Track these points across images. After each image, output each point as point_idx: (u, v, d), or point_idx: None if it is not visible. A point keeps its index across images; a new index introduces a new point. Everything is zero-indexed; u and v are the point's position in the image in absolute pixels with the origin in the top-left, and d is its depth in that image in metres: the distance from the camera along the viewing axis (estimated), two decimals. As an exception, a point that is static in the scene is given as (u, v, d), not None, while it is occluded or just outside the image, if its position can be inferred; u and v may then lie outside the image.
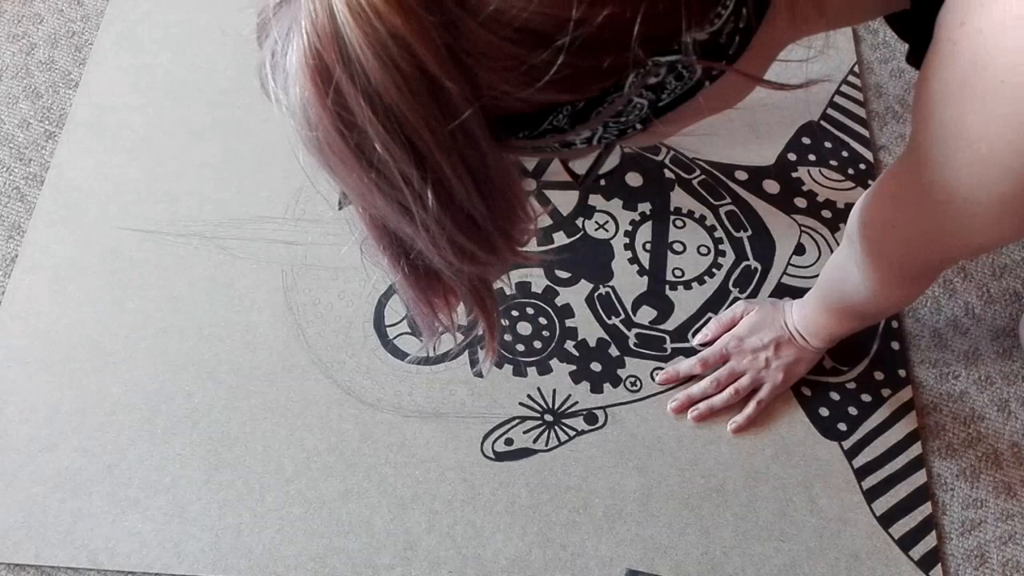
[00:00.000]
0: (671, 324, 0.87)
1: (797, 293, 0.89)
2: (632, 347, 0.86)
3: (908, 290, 0.64)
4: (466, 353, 0.85)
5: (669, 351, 0.86)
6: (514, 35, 0.34)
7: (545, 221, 0.90)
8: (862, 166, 0.96)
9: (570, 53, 0.34)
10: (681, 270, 0.90)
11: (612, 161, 0.48)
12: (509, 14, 0.33)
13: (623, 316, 0.87)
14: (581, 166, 0.51)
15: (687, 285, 0.89)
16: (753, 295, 0.88)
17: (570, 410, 0.83)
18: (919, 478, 0.81)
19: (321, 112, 0.36)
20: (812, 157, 0.96)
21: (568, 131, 0.40)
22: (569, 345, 0.86)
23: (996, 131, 0.38)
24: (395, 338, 0.85)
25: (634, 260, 0.90)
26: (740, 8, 0.38)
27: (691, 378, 0.84)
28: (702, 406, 0.82)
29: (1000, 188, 0.41)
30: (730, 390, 0.82)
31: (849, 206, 0.94)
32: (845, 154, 0.96)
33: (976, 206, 0.43)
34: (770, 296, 0.88)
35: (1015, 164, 0.39)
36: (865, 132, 0.98)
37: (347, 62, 0.34)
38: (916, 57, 0.46)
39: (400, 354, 0.85)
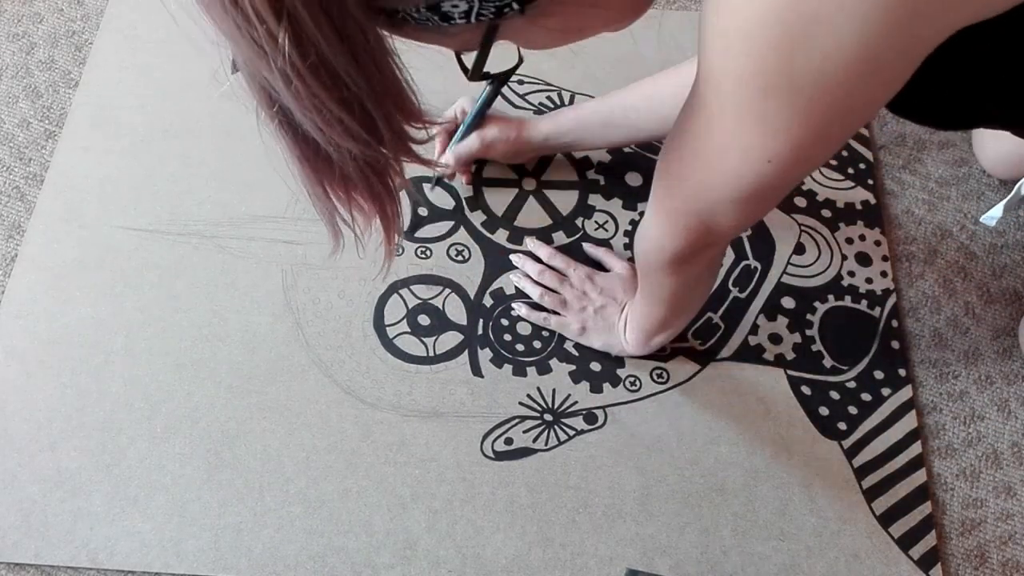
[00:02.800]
0: (671, 324, 0.87)
1: (797, 292, 0.89)
2: (632, 347, 0.86)
3: (684, 241, 0.59)
4: (465, 352, 0.85)
5: (668, 351, 0.86)
6: None
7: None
8: (862, 165, 0.96)
9: None
10: (681, 270, 0.90)
11: (507, 60, 0.46)
12: None
13: (623, 316, 0.87)
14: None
15: (687, 285, 0.89)
16: (753, 294, 0.88)
17: (570, 410, 0.83)
18: (919, 477, 0.81)
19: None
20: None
21: (443, 3, 0.38)
22: (569, 345, 0.86)
23: (731, 23, 0.39)
24: (395, 338, 0.86)
25: (634, 260, 0.90)
26: None
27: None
28: (512, 275, 0.88)
29: (734, 75, 0.41)
30: (539, 291, 0.86)
31: (849, 206, 0.94)
32: (845, 153, 0.96)
33: (723, 98, 0.43)
34: (769, 295, 0.88)
35: (740, 47, 0.39)
36: (865, 131, 0.98)
37: None
38: None
39: (400, 353, 0.85)
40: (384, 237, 0.49)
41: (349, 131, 0.40)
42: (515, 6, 0.40)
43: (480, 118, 0.86)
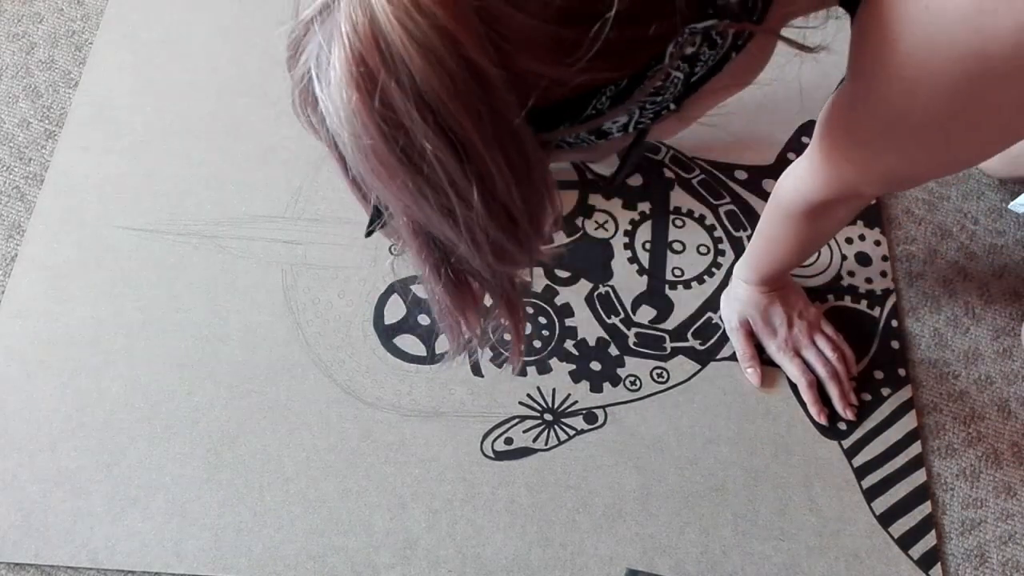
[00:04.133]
0: (671, 323, 0.87)
1: (797, 292, 0.89)
2: (632, 346, 0.86)
3: (837, 198, 0.64)
4: (465, 352, 0.85)
5: (669, 350, 0.86)
6: (555, 15, 0.34)
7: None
8: (862, 165, 0.96)
9: (615, 25, 0.34)
10: (681, 269, 0.90)
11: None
12: None
13: (623, 315, 0.87)
14: (598, 170, 0.53)
15: (687, 284, 0.89)
16: (753, 294, 0.89)
17: (570, 409, 0.83)
18: (919, 477, 0.81)
19: (367, 119, 0.35)
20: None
21: (607, 114, 0.39)
22: (569, 344, 0.86)
23: (920, 54, 0.41)
24: (395, 338, 0.86)
25: (634, 259, 0.90)
26: None
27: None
28: (834, 394, 0.83)
29: (924, 106, 0.44)
30: (821, 367, 0.83)
31: (849, 205, 0.94)
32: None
33: (906, 127, 0.47)
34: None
35: (933, 83, 0.41)
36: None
37: (391, 62, 0.33)
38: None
39: (400, 353, 0.85)
40: (515, 338, 0.50)
41: (512, 257, 0.41)
42: (672, 107, 0.41)
43: None
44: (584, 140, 0.42)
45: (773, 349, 0.84)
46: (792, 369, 0.83)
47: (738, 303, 0.85)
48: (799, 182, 0.66)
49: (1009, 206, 0.89)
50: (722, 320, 0.87)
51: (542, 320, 0.87)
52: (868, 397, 0.84)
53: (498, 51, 0.34)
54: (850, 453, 0.82)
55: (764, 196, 0.93)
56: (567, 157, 0.44)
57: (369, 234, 0.46)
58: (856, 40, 0.47)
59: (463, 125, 0.34)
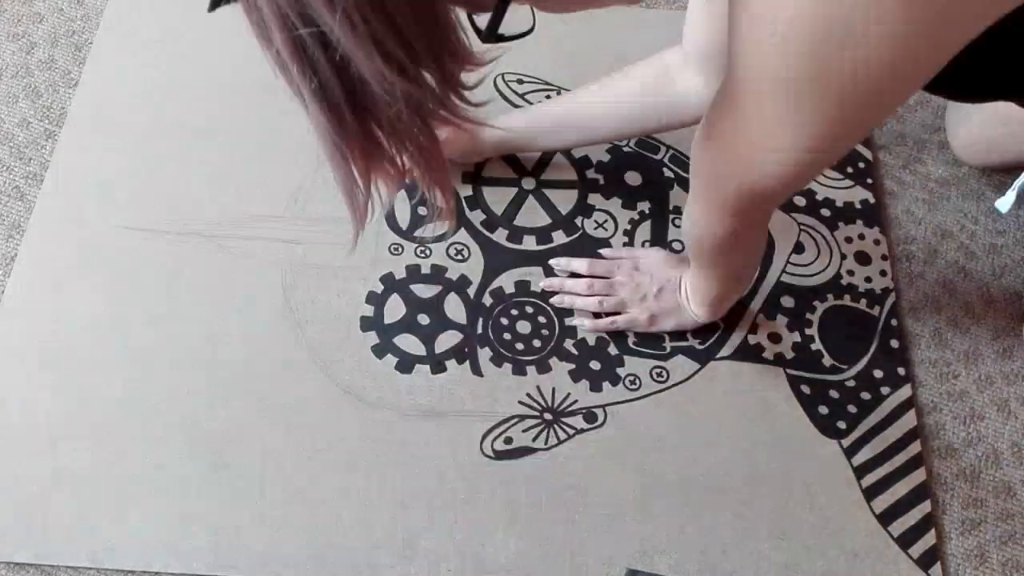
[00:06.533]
0: (670, 323, 0.87)
1: (796, 291, 0.89)
2: (631, 346, 0.86)
3: (734, 222, 0.62)
4: (465, 351, 0.85)
5: (668, 349, 0.86)
6: None
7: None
8: (861, 164, 0.96)
9: None
10: (680, 269, 0.90)
11: (523, 21, 0.45)
12: None
13: (622, 315, 0.87)
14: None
15: (686, 284, 0.89)
16: (752, 293, 0.88)
17: (569, 409, 0.83)
18: (918, 476, 0.81)
19: None
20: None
21: None
22: (568, 344, 0.86)
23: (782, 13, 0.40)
24: (395, 337, 0.86)
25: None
26: None
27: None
28: (566, 297, 0.87)
29: (779, 72, 0.43)
30: (595, 300, 0.85)
31: (848, 205, 0.94)
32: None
33: (760, 98, 0.46)
34: (769, 294, 0.88)
35: (792, 46, 0.41)
36: (865, 131, 0.98)
37: None
38: None
39: (400, 353, 0.85)
40: (440, 194, 0.48)
41: (404, 70, 0.39)
42: None
43: None
44: None
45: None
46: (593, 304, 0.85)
47: (664, 273, 0.85)
48: (697, 217, 0.65)
49: (995, 204, 0.89)
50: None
51: (541, 320, 0.87)
52: (867, 396, 0.84)
53: None
54: (849, 452, 0.82)
55: (764, 196, 0.93)
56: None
57: (214, 7, 0.43)
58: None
59: None
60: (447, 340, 0.85)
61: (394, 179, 0.46)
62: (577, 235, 0.91)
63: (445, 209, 0.50)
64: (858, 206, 0.94)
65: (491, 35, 0.44)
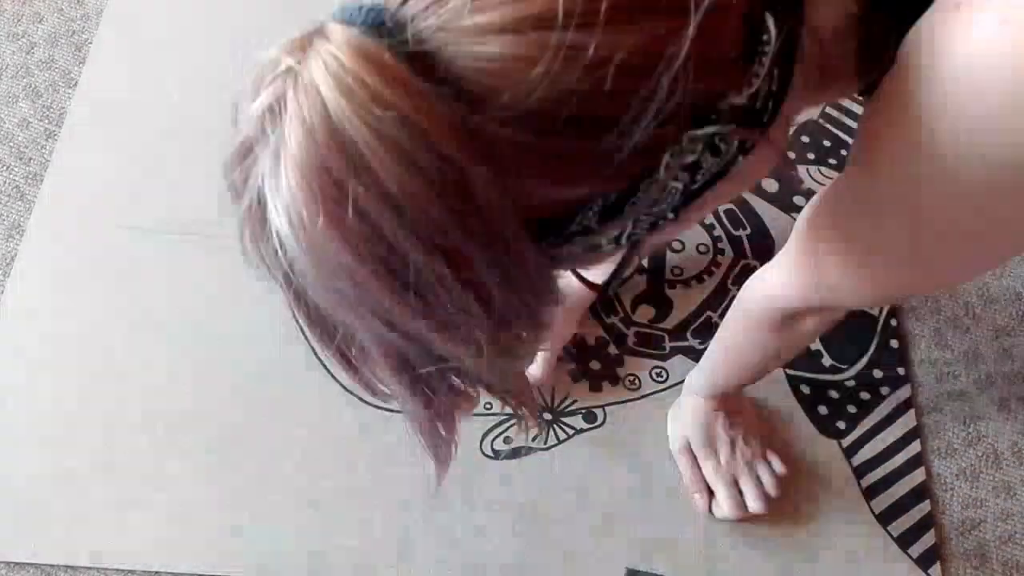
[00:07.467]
0: (670, 323, 0.87)
1: (796, 292, 0.89)
2: (631, 346, 0.86)
3: (798, 303, 0.58)
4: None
5: (668, 349, 0.86)
6: (527, 121, 0.29)
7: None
8: (862, 165, 0.96)
9: (594, 133, 0.30)
10: (680, 269, 0.90)
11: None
12: (526, 103, 0.29)
13: (622, 315, 0.87)
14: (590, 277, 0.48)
15: (686, 284, 0.89)
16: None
17: (569, 408, 0.83)
18: (918, 476, 0.81)
19: (341, 238, 0.30)
20: (811, 155, 0.96)
21: (597, 231, 0.35)
22: (568, 344, 0.86)
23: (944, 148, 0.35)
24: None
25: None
26: (773, 67, 0.33)
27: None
28: (751, 504, 0.77)
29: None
30: (754, 500, 0.77)
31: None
32: (844, 152, 0.96)
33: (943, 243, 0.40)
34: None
35: (955, 182, 0.36)
36: (865, 131, 0.97)
37: (359, 167, 0.29)
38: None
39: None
40: (530, 416, 0.46)
41: (514, 353, 0.38)
42: (670, 215, 0.36)
43: None
44: (571, 256, 0.37)
45: (710, 471, 0.78)
46: (725, 499, 0.77)
47: (682, 420, 0.79)
48: (770, 287, 0.60)
49: None
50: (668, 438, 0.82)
51: (542, 320, 0.87)
52: (867, 396, 0.84)
53: (477, 144, 0.29)
54: (849, 452, 0.82)
55: (763, 195, 0.93)
56: (556, 268, 0.38)
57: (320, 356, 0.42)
58: (868, 121, 0.41)
59: (447, 228, 0.30)
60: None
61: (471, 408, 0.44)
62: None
63: (530, 418, 0.47)
64: (858, 206, 0.94)
65: (614, 285, 0.42)
